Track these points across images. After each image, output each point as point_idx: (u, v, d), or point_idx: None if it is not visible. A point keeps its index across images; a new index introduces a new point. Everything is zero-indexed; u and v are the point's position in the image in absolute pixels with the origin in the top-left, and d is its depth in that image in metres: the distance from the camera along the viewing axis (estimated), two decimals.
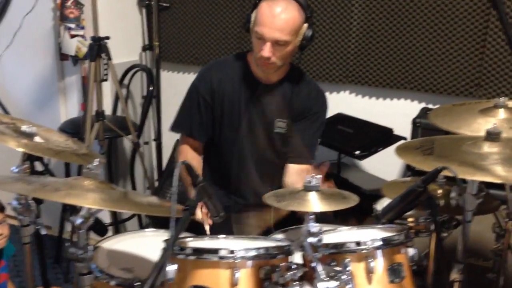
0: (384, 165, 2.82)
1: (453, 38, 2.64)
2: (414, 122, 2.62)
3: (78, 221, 1.23)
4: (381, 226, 1.44)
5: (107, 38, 2.49)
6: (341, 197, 1.27)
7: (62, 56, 2.93)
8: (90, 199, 1.21)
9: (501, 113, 1.73)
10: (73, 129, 2.63)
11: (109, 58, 2.48)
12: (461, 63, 2.66)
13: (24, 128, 1.52)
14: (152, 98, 3.01)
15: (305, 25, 1.85)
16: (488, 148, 1.36)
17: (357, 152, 2.54)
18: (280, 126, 2.01)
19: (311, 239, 1.19)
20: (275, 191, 1.34)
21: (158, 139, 3.23)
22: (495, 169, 1.27)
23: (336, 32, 2.90)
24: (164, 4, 3.15)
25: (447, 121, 1.75)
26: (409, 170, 2.66)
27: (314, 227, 1.21)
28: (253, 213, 1.85)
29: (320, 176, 1.29)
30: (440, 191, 1.73)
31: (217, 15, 3.17)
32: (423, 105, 2.84)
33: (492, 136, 1.37)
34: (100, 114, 2.48)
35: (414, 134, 2.62)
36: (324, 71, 2.98)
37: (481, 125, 1.68)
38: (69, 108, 3.14)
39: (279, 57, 1.84)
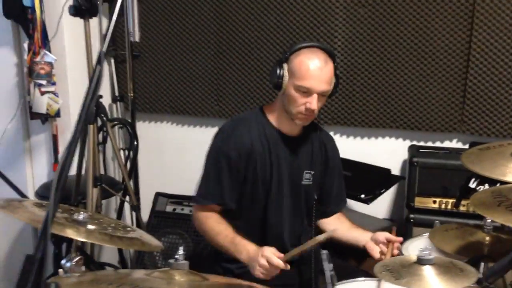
0: (378, 205, 2.84)
1: (435, 77, 2.75)
2: (411, 161, 2.68)
3: None
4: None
5: (101, 96, 2.30)
6: (459, 270, 1.23)
7: (32, 115, 2.66)
8: None
9: None
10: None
11: (107, 119, 2.28)
12: (444, 100, 2.77)
13: (76, 216, 1.33)
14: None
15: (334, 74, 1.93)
16: None
17: (362, 196, 2.54)
18: (307, 178, 2.03)
19: None
20: (384, 263, 1.26)
21: (136, 193, 3.02)
22: None
23: None
24: (134, 53, 2.99)
25: (487, 167, 1.77)
26: (408, 208, 2.70)
27: None
28: None
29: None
30: (487, 239, 1.75)
31: (191, 61, 3.07)
32: (408, 142, 2.91)
33: None
34: (98, 179, 2.26)
35: (412, 174, 2.67)
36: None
37: None
38: (37, 169, 2.85)
39: (318, 108, 1.89)
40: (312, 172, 2.03)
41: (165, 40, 3.09)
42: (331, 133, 2.98)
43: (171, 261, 1.20)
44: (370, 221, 2.76)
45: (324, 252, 1.10)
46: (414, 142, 2.91)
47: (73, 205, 2.21)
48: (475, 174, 1.88)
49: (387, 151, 2.92)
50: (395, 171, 2.86)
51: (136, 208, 2.44)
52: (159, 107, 3.17)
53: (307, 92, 1.83)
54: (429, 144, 2.88)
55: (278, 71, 1.87)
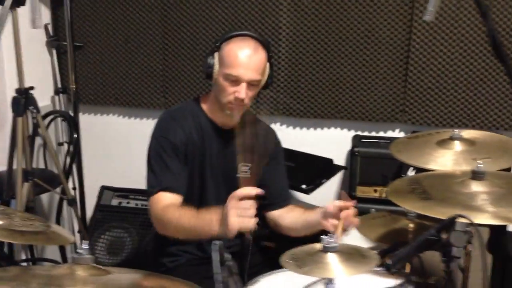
0: (321, 194, 2.86)
1: (377, 67, 2.78)
2: (353, 151, 2.71)
3: None
4: (379, 270, 1.43)
5: (32, 88, 2.24)
6: (361, 256, 1.24)
7: None
8: None
9: (458, 145, 1.83)
10: None
11: (38, 111, 2.23)
12: (386, 90, 2.80)
13: None
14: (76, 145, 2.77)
15: (268, 64, 1.88)
16: (476, 187, 1.43)
17: (303, 186, 2.55)
18: (243, 171, 1.98)
19: None
20: (292, 252, 1.26)
21: (80, 188, 2.97)
22: (495, 210, 1.33)
23: None
24: (77, 44, 2.93)
25: (413, 156, 1.81)
26: (350, 197, 2.71)
27: None
28: None
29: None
30: (411, 225, 1.78)
31: (137, 53, 3.03)
32: (352, 132, 2.94)
33: (478, 175, 1.44)
34: (29, 173, 2.21)
35: (353, 164, 2.71)
36: (255, 104, 2.96)
37: (445, 159, 1.77)
38: None
39: (250, 98, 1.86)
40: (250, 165, 1.98)
41: (110, 31, 3.04)
42: (277, 124, 3.02)
43: (75, 255, 1.16)
44: None
45: (217, 243, 1.08)
46: (359, 132, 2.93)
47: (5, 200, 2.15)
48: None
49: (332, 141, 2.94)
50: (340, 161, 2.88)
51: (72, 202, 2.40)
52: (104, 99, 3.12)
53: (235, 81, 1.80)
54: (373, 134, 2.91)
55: (209, 60, 1.85)
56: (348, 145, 2.85)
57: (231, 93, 1.82)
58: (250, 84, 1.82)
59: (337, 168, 2.69)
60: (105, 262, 2.93)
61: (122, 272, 1.24)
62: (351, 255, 1.24)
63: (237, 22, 2.89)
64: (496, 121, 2.70)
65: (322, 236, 1.23)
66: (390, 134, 2.89)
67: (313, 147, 2.87)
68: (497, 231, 1.66)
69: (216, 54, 1.85)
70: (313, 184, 2.56)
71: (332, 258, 1.22)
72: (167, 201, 1.81)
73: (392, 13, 2.70)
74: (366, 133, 2.91)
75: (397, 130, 2.89)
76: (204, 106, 1.97)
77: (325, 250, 1.23)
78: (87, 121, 3.12)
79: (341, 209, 1.74)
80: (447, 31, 2.65)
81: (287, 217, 2.00)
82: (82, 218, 3.01)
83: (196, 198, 1.95)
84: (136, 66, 3.05)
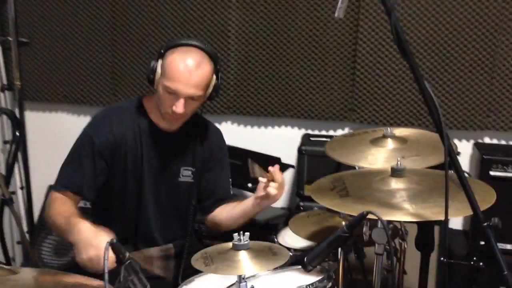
0: None
1: (326, 66, 2.79)
2: (300, 150, 2.71)
3: None
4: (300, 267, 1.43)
5: None
6: (271, 253, 1.24)
7: None
8: None
9: (390, 143, 1.85)
10: None
11: None
12: (334, 89, 2.82)
13: None
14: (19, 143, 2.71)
15: (214, 76, 1.82)
16: (395, 184, 1.44)
17: (249, 185, 2.54)
18: (185, 175, 1.94)
19: None
20: (203, 251, 1.26)
21: (27, 187, 2.92)
22: (409, 207, 1.34)
23: None
24: (23, 40, 2.87)
25: (345, 154, 1.82)
26: (298, 196, 2.73)
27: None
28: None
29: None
30: (343, 223, 1.78)
31: (86, 50, 2.98)
32: (303, 131, 2.94)
33: (397, 172, 1.45)
34: None
35: (300, 162, 2.71)
36: (205, 102, 2.95)
37: (376, 156, 1.79)
38: None
39: (190, 111, 1.80)
40: (193, 169, 1.94)
41: (57, 27, 2.98)
42: (228, 122, 3.01)
43: None
44: (269, 210, 2.77)
45: (110, 241, 1.05)
46: (309, 131, 2.94)
47: None
48: None
49: (282, 140, 2.94)
50: (290, 159, 2.88)
51: (7, 201, 2.33)
52: (52, 96, 3.06)
53: (174, 94, 1.73)
54: (323, 132, 2.92)
55: (152, 64, 1.78)
56: (297, 144, 2.86)
57: (169, 105, 1.75)
58: (190, 99, 1.75)
59: (285, 166, 2.68)
60: (52, 263, 2.88)
61: (27, 272, 1.21)
62: (262, 252, 1.24)
63: (186, 19, 2.87)
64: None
65: (234, 234, 1.23)
66: (339, 132, 2.90)
67: (263, 145, 2.87)
68: (424, 228, 1.67)
69: (160, 61, 1.77)
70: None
71: (242, 256, 1.21)
72: (66, 200, 1.78)
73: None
74: (316, 132, 2.92)
75: (346, 129, 2.90)
76: (147, 107, 1.89)
77: (236, 248, 1.22)
78: (34, 118, 3.06)
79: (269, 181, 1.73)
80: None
81: (222, 212, 1.97)
82: (29, 219, 2.96)
83: (132, 199, 1.90)
84: (84, 63, 3.00)
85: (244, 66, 2.87)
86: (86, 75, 3.01)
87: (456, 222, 2.79)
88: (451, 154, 1.18)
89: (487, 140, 2.77)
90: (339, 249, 1.45)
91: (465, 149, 2.73)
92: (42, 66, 3.03)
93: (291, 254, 1.30)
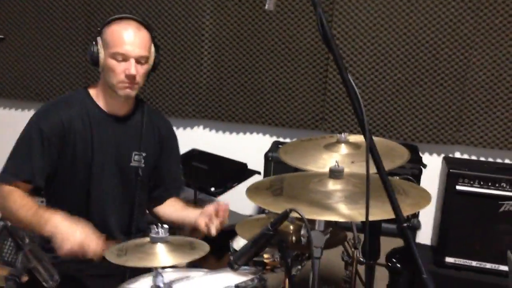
0: (240, 200, 2.82)
1: (298, 74, 2.78)
2: (266, 156, 2.68)
3: None
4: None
5: None
6: (190, 247, 1.20)
7: None
8: None
9: (343, 149, 1.82)
10: None
11: None
12: (306, 98, 2.80)
13: None
14: None
15: (153, 45, 1.88)
16: (332, 185, 1.41)
17: (212, 189, 2.50)
18: (136, 160, 1.95)
19: None
20: (121, 244, 1.22)
21: None
22: (340, 207, 1.30)
23: (187, 68, 2.89)
24: None
25: (296, 157, 1.79)
26: None
27: (162, 282, 1.13)
28: None
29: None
30: (291, 227, 1.75)
31: (59, 47, 2.98)
32: (274, 138, 2.92)
33: (335, 173, 1.42)
34: None
35: (267, 168, 2.68)
36: (177, 106, 2.94)
37: (326, 161, 1.75)
38: None
39: (141, 76, 1.84)
40: (144, 154, 1.95)
41: (32, 24, 2.99)
42: (200, 127, 2.99)
43: None
44: (234, 216, 2.73)
45: (2, 224, 1.00)
46: (280, 139, 2.92)
47: None
48: None
49: (252, 146, 2.92)
50: (259, 166, 2.85)
51: None
52: (25, 94, 3.05)
53: (123, 59, 1.80)
54: (295, 140, 2.88)
55: (92, 48, 1.83)
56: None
57: (121, 71, 1.80)
58: (138, 61, 1.81)
59: (250, 172, 2.65)
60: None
61: None
62: (180, 245, 1.20)
63: (160, 22, 2.87)
64: (412, 132, 2.71)
65: (150, 226, 1.19)
66: None
67: (233, 151, 2.84)
68: (370, 235, 1.62)
69: (98, 39, 1.83)
70: (222, 187, 2.52)
71: (159, 249, 1.18)
72: (21, 192, 1.77)
73: (312, 25, 2.71)
74: (288, 140, 2.89)
75: None
76: (94, 94, 1.92)
77: (153, 241, 1.18)
78: (6, 116, 3.04)
79: (217, 212, 1.79)
80: (365, 40, 2.66)
81: (166, 208, 2.00)
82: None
83: (82, 185, 1.89)
84: (58, 61, 3.00)
85: (217, 71, 2.86)
86: (60, 73, 3.01)
87: (425, 237, 2.74)
88: (374, 153, 1.15)
89: (457, 154, 2.74)
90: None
91: (435, 163, 2.70)
92: (15, 63, 3.03)
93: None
